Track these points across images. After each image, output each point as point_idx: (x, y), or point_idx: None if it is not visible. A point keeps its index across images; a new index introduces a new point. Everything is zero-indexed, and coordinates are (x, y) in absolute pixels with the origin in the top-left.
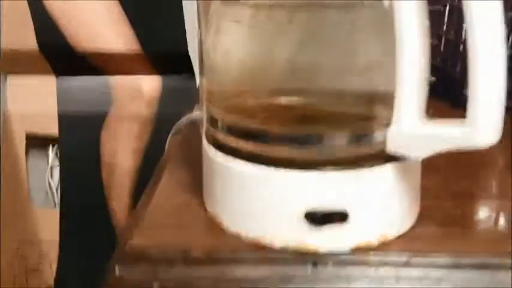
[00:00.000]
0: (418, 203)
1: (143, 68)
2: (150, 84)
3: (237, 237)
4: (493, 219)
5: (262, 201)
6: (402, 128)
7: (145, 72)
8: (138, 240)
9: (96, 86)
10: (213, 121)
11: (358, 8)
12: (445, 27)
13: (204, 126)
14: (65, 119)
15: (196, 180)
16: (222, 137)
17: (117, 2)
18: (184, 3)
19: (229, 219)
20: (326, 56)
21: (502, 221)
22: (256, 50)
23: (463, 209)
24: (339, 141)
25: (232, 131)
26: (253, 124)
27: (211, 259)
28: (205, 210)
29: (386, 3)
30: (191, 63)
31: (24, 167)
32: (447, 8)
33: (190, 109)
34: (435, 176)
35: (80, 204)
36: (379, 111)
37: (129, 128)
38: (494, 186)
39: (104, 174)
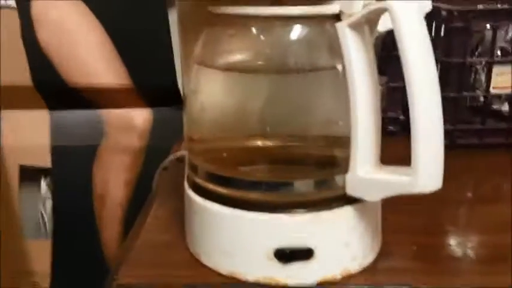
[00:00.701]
0: (380, 238)
1: (134, 102)
2: (141, 117)
3: (214, 272)
4: (450, 252)
5: (236, 240)
6: (357, 174)
7: (136, 105)
8: (124, 279)
9: (88, 119)
10: (193, 167)
11: (316, 72)
12: None
13: (186, 171)
14: (57, 152)
15: (180, 218)
16: (200, 181)
17: (109, 39)
18: (173, 39)
19: (207, 255)
20: (290, 110)
21: (459, 253)
22: (229, 106)
23: (422, 243)
24: (305, 187)
25: (209, 177)
26: (228, 172)
27: None
28: (187, 247)
29: (339, 67)
30: (180, 96)
31: (18, 198)
32: None
33: (180, 140)
34: (396, 212)
35: (71, 235)
36: (339, 159)
37: (120, 159)
38: (451, 220)
39: (96, 205)
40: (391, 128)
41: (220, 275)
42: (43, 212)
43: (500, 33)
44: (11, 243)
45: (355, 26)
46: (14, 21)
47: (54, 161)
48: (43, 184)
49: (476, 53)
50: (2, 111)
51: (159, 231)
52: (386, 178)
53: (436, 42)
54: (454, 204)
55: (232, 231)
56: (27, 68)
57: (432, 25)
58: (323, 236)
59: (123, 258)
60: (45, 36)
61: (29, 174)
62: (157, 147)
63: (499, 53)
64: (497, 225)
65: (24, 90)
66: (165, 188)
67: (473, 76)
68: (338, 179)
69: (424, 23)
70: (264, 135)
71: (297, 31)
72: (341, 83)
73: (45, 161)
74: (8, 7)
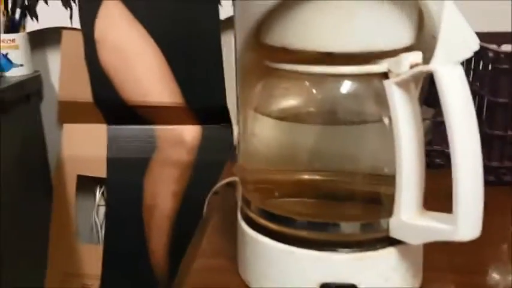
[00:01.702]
0: (421, 275)
1: (185, 119)
2: (191, 134)
3: None
4: None
5: (286, 273)
6: (401, 219)
7: (187, 123)
8: None
9: (142, 134)
10: (246, 202)
11: (364, 124)
12: None
13: (239, 204)
14: (112, 163)
15: (232, 243)
16: (253, 216)
17: (165, 60)
18: (224, 62)
19: (257, 283)
20: (338, 158)
21: None
22: (281, 150)
23: (462, 282)
24: (351, 229)
25: (261, 213)
26: (279, 210)
27: None
28: (238, 273)
29: (386, 120)
30: (229, 115)
31: (74, 205)
32: None
33: (229, 164)
34: (438, 249)
35: (122, 241)
36: (384, 203)
37: (170, 172)
38: (492, 259)
39: (145, 215)
40: (438, 160)
41: None
42: (96, 218)
43: None
44: (65, 246)
45: (402, 84)
46: (78, 41)
47: (109, 171)
48: (98, 193)
49: None
50: (63, 124)
51: (213, 256)
52: (428, 225)
53: (484, 81)
54: (497, 243)
55: (282, 264)
56: (89, 85)
57: (480, 64)
58: (366, 274)
59: (181, 281)
60: (106, 56)
61: (86, 184)
62: (205, 162)
63: None
64: None
65: (85, 105)
66: (216, 212)
67: None
68: (382, 222)
69: (467, 87)
70: (312, 179)
71: (346, 86)
72: (387, 134)
73: (101, 172)
74: (73, 28)
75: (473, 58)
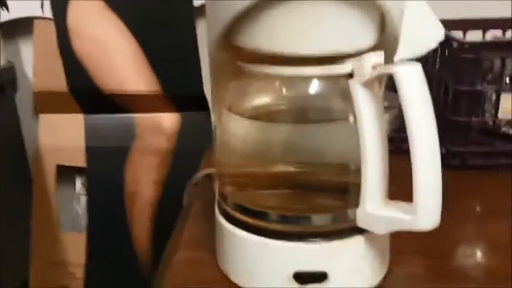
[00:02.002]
0: (387, 261)
1: (163, 107)
2: (169, 121)
3: None
4: (456, 272)
5: (261, 263)
6: (366, 210)
7: (165, 110)
8: None
9: (121, 123)
10: (223, 196)
11: (331, 122)
12: None
13: (216, 198)
14: (91, 152)
15: (211, 236)
16: (229, 210)
17: (141, 48)
18: (200, 50)
19: (235, 275)
20: (309, 154)
21: (465, 273)
22: (254, 147)
23: (428, 264)
24: (322, 221)
25: (237, 208)
26: (254, 205)
27: None
28: (217, 265)
29: (352, 118)
30: (207, 102)
31: (54, 195)
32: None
33: (206, 144)
34: (404, 233)
35: (104, 229)
36: (351, 195)
37: (150, 160)
38: (459, 240)
39: (127, 203)
40: (405, 146)
41: None
42: (78, 207)
43: (508, 62)
44: (48, 235)
45: (365, 83)
46: (50, 31)
47: (88, 160)
48: (78, 182)
49: (487, 81)
50: (40, 115)
51: (193, 248)
52: (391, 215)
53: (449, 69)
54: (463, 225)
55: (258, 255)
56: (64, 75)
57: (445, 52)
58: (336, 262)
59: (163, 274)
60: (80, 45)
61: (65, 173)
62: (185, 150)
63: (507, 80)
64: (505, 244)
65: (61, 95)
66: (196, 202)
67: (483, 101)
68: (350, 212)
69: (425, 87)
70: (285, 172)
71: (314, 86)
72: (354, 130)
73: (81, 161)
74: (45, 18)
75: (439, 46)
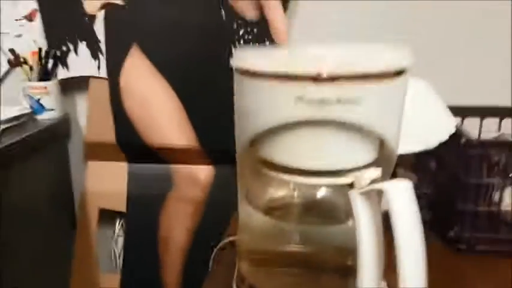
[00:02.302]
0: None
1: (199, 159)
2: (204, 173)
3: None
4: None
5: None
6: None
7: (201, 163)
8: None
9: (160, 173)
10: (241, 278)
11: (334, 223)
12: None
13: (235, 278)
14: (132, 198)
15: None
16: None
17: (183, 106)
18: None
19: None
20: (314, 247)
21: None
22: (270, 238)
23: None
24: None
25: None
26: (267, 285)
27: None
28: None
29: (350, 223)
30: None
31: (95, 238)
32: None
33: (234, 220)
34: None
35: (138, 271)
36: (352, 279)
37: (184, 209)
38: None
39: (160, 247)
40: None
41: None
42: (115, 248)
43: None
44: (87, 274)
45: (363, 194)
46: (104, 88)
47: (128, 205)
48: (117, 225)
49: (494, 172)
50: (88, 162)
51: None
52: None
53: (459, 163)
54: None
55: None
56: (113, 128)
57: (456, 145)
58: None
59: None
60: (129, 103)
61: (107, 216)
62: (217, 200)
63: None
64: None
65: (108, 146)
66: (220, 268)
67: (490, 191)
68: None
69: (412, 200)
70: (292, 260)
71: (322, 192)
72: (353, 232)
73: (121, 206)
74: (100, 77)
75: (451, 138)
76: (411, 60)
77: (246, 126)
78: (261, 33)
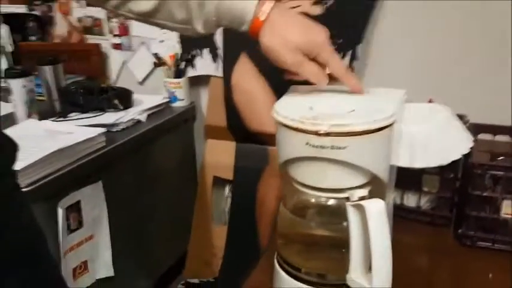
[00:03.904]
0: None
1: None
2: None
3: None
4: None
5: None
6: (350, 276)
7: None
8: None
9: (259, 152)
10: (281, 256)
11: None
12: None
13: (275, 255)
14: (238, 169)
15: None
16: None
17: (276, 98)
18: None
19: None
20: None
21: None
22: (295, 229)
23: None
24: (333, 279)
25: (285, 263)
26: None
27: None
28: None
29: (345, 224)
30: None
31: (210, 197)
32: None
33: None
34: None
35: (241, 224)
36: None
37: (275, 181)
38: None
39: (257, 209)
40: (438, 221)
41: None
42: (225, 207)
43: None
44: (204, 224)
45: (355, 205)
46: (220, 85)
47: (235, 175)
48: (227, 189)
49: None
50: (207, 140)
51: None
52: (360, 282)
53: (466, 178)
54: None
55: None
56: (225, 115)
57: (466, 163)
58: None
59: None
60: (237, 96)
61: (219, 182)
62: None
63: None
64: None
65: (222, 129)
66: None
67: (493, 202)
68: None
69: (385, 218)
70: (312, 246)
71: (330, 201)
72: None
73: (230, 175)
74: (218, 76)
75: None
76: (394, 117)
77: (279, 154)
78: (345, 43)
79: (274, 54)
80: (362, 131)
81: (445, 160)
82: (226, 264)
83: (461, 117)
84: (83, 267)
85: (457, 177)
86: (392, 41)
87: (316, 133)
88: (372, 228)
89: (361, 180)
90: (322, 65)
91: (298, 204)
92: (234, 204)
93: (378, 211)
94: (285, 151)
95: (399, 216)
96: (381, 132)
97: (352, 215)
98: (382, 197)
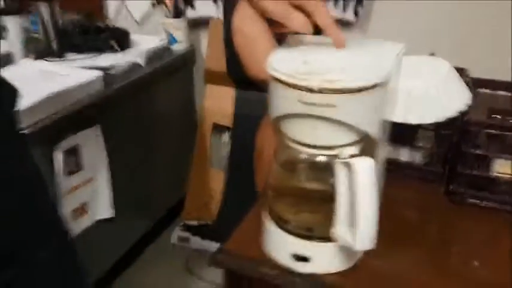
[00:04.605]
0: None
1: None
2: None
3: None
4: None
5: (276, 245)
6: (336, 230)
7: None
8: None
9: (258, 99)
10: (270, 209)
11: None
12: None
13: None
14: (237, 116)
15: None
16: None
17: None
18: None
19: (267, 250)
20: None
21: None
22: (287, 182)
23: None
24: (318, 232)
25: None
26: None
27: None
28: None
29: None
30: None
31: (209, 143)
32: None
33: None
34: None
35: (238, 171)
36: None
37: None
38: None
39: (255, 157)
40: (430, 177)
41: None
42: (224, 152)
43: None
44: (203, 168)
45: (343, 163)
46: (220, 27)
47: (234, 122)
48: (226, 136)
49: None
50: (207, 84)
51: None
52: (344, 237)
53: (461, 135)
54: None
55: (276, 241)
56: (225, 60)
57: (462, 120)
58: (317, 251)
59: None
60: (238, 40)
61: (218, 129)
62: None
63: None
64: None
65: (221, 74)
66: None
67: (487, 161)
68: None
69: (373, 175)
70: (301, 198)
71: (320, 158)
72: None
73: (229, 122)
74: (218, 18)
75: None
76: (387, 76)
77: (271, 109)
78: None
79: (261, 3)
80: (354, 88)
81: (440, 117)
82: (224, 208)
83: (461, 70)
84: (82, 208)
85: (453, 134)
86: None
87: (307, 89)
88: (359, 186)
89: (352, 138)
90: (309, 16)
91: (289, 159)
92: (233, 151)
93: (365, 169)
94: (276, 107)
95: (392, 171)
96: (373, 90)
97: (340, 172)
98: (374, 154)
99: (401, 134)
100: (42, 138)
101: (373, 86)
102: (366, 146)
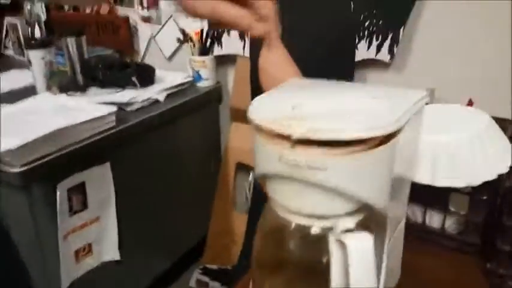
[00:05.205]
0: None
1: None
2: None
3: None
4: None
5: None
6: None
7: None
8: None
9: None
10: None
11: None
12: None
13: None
14: None
15: None
16: None
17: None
18: None
19: None
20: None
21: None
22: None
23: None
24: None
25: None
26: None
27: None
28: None
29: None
30: None
31: (232, 183)
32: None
33: None
34: None
35: (260, 212)
36: None
37: None
38: None
39: None
40: (465, 248)
41: None
42: (248, 194)
43: None
44: (226, 213)
45: (339, 240)
46: (246, 66)
47: None
48: (250, 176)
49: None
50: (232, 122)
51: None
52: None
53: (503, 204)
54: None
55: None
56: (250, 97)
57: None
58: None
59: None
60: (263, 79)
61: (243, 169)
62: None
63: None
64: None
65: (246, 110)
66: None
67: None
68: None
69: (370, 259)
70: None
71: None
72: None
73: (253, 162)
74: (245, 56)
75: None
76: (396, 126)
77: (255, 163)
78: (386, 25)
79: (185, 7)
80: (346, 141)
81: (475, 180)
82: (244, 254)
83: (504, 122)
84: (87, 249)
85: (491, 200)
86: (437, 31)
87: (287, 139)
88: (353, 273)
89: (349, 208)
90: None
91: (277, 226)
92: (256, 193)
93: (360, 250)
94: (259, 163)
95: (420, 238)
96: (374, 144)
97: (335, 251)
98: (381, 226)
99: (431, 195)
100: (43, 175)
101: (373, 139)
102: (369, 214)
